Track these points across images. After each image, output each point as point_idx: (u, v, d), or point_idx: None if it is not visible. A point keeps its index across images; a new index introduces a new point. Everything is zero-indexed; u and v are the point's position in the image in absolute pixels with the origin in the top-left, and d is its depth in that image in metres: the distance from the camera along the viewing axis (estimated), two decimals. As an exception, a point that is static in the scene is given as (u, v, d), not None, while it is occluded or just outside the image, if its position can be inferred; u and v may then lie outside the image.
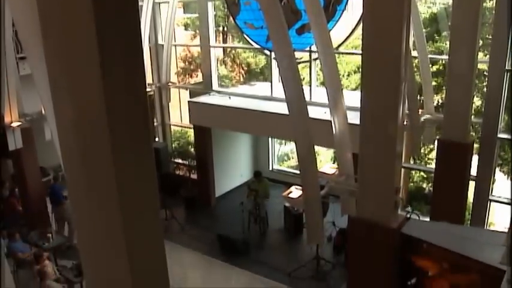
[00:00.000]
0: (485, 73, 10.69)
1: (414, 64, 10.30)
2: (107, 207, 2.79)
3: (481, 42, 9.47)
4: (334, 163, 13.35)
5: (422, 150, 12.97)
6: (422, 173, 13.53)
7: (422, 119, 9.95)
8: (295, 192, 9.47)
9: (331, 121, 7.86)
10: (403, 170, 10.57)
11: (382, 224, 6.28)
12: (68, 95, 2.61)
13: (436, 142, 9.78)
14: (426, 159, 13.64)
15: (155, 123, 14.78)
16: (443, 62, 12.29)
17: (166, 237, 10.60)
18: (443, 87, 11.55)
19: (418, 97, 10.24)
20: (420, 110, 9.98)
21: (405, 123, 6.79)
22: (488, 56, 9.65)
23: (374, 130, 6.06)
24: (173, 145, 15.31)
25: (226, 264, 10.68)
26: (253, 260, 10.77)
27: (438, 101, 12.63)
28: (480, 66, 10.25)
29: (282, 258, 10.85)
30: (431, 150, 13.29)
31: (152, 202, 2.99)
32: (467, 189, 9.09)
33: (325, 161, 15.08)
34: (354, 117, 7.79)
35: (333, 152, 13.54)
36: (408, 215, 7.37)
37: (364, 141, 6.21)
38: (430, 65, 10.36)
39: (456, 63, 8.27)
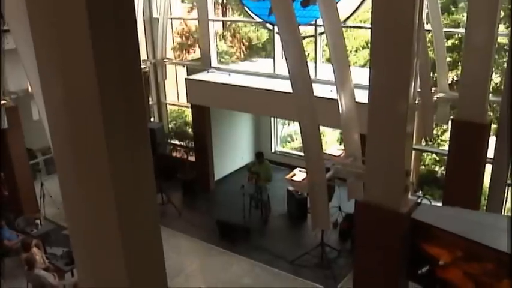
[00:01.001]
0: (505, 47, 10.58)
1: (428, 38, 10.21)
2: (100, 191, 2.79)
3: (502, 13, 9.34)
4: (340, 144, 13.36)
5: (435, 131, 12.91)
6: (434, 156, 13.52)
7: (435, 97, 9.90)
8: (299, 175, 9.46)
9: (337, 100, 7.82)
10: (414, 152, 10.54)
11: (391, 209, 6.29)
12: (57, 71, 2.59)
13: (450, 122, 9.75)
14: (439, 140, 13.62)
15: (150, 102, 14.75)
16: (460, 35, 12.17)
17: (163, 223, 10.65)
18: (459, 63, 11.46)
19: (431, 74, 10.16)
20: (433, 88, 9.92)
21: (417, 102, 6.75)
22: (509, 28, 9.55)
23: (383, 109, 6.03)
24: (170, 125, 15.30)
25: (225, 251, 10.76)
26: (254, 246, 10.84)
27: (453, 78, 12.53)
28: (500, 39, 10.11)
29: (285, 245, 10.92)
30: (445, 131, 13.26)
31: (148, 186, 2.99)
32: (483, 173, 9.07)
33: (331, 142, 15.08)
34: (362, 96, 7.75)
35: (339, 132, 13.53)
36: (419, 200, 7.37)
37: (373, 121, 6.18)
38: (445, 39, 10.25)
39: (474, 36, 8.16)
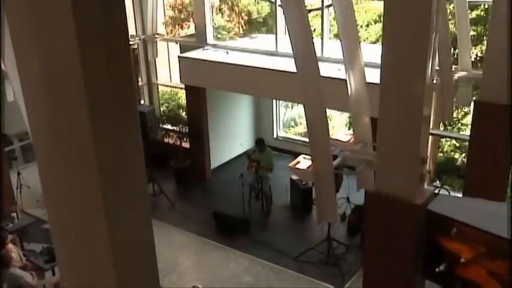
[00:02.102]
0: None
1: (448, 10, 10.10)
2: (84, 181, 2.77)
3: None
4: (349, 129, 13.34)
5: (455, 114, 12.86)
6: (454, 141, 13.50)
7: (456, 76, 9.83)
8: (304, 162, 9.43)
9: (346, 80, 7.80)
10: (431, 137, 10.56)
11: (405, 200, 6.28)
12: (35, 45, 2.55)
13: (472, 104, 9.69)
14: (459, 124, 13.57)
15: (140, 83, 14.71)
16: (486, 6, 12.06)
17: (154, 216, 10.67)
18: (484, 38, 11.38)
19: (452, 50, 10.09)
20: (454, 66, 9.85)
21: (435, 81, 6.73)
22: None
23: (397, 90, 6.00)
24: (161, 108, 15.27)
25: (223, 246, 10.80)
26: (255, 241, 10.88)
27: (477, 55, 12.41)
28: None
29: (288, 239, 10.95)
30: (466, 114, 13.21)
31: (137, 175, 2.98)
32: (510, 161, 9.04)
33: (339, 126, 15.06)
34: (373, 76, 7.72)
35: (348, 116, 13.51)
36: (436, 190, 7.38)
37: (385, 103, 6.15)
38: (469, 10, 10.14)
39: (502, 7, 8.06)
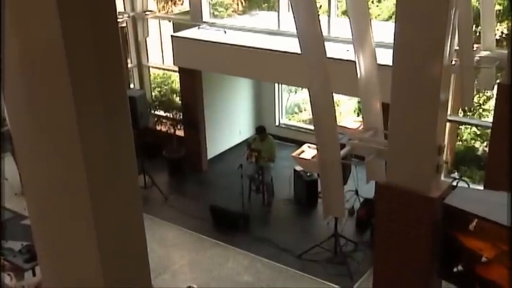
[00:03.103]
0: None
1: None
2: (69, 173, 2.76)
3: None
4: (358, 116, 13.32)
5: (475, 99, 12.80)
6: (474, 129, 13.45)
7: (477, 56, 9.76)
8: (308, 152, 9.41)
9: (355, 62, 7.77)
10: (448, 124, 10.53)
11: (419, 193, 6.29)
12: (13, 26, 2.53)
13: (495, 87, 9.66)
14: (481, 110, 13.51)
15: (129, 65, 14.66)
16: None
17: (146, 210, 10.68)
18: (510, 13, 11.29)
19: (474, 27, 10.00)
20: (475, 45, 9.78)
21: (453, 62, 6.70)
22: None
23: (411, 72, 5.98)
24: (153, 93, 15.24)
25: (221, 243, 10.81)
26: (255, 238, 10.89)
27: (502, 33, 12.30)
28: None
29: (291, 236, 10.97)
30: (489, 98, 13.16)
31: (127, 166, 2.97)
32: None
33: (347, 113, 15.04)
34: (385, 57, 7.68)
35: (357, 101, 13.48)
36: (454, 183, 7.36)
37: (398, 86, 6.14)
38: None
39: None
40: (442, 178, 6.60)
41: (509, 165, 6.33)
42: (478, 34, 10.23)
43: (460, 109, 12.11)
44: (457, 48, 8.59)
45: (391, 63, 6.15)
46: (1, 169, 10.94)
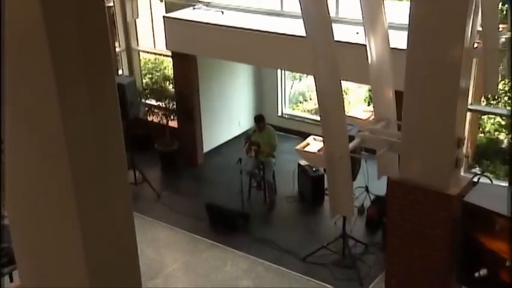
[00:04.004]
0: None
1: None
2: (52, 168, 2.76)
3: None
4: (368, 105, 13.29)
5: (500, 86, 12.74)
6: (499, 119, 13.41)
7: (503, 38, 9.71)
8: (314, 145, 9.40)
9: (365, 45, 7.75)
10: (469, 113, 10.50)
11: (436, 190, 6.29)
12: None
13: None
14: (506, 98, 13.46)
15: (117, 49, 14.63)
16: None
17: (136, 209, 10.66)
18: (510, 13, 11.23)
19: (500, 5, 9.93)
20: (501, 26, 9.72)
21: (476, 45, 6.67)
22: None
23: (428, 56, 5.97)
24: (144, 80, 15.22)
25: (218, 245, 10.81)
26: (256, 239, 10.89)
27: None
28: None
29: (295, 236, 10.97)
30: (515, 85, 13.10)
31: (116, 160, 2.97)
32: None
33: (356, 101, 15.03)
34: (399, 39, 7.66)
35: (368, 89, 13.45)
36: (475, 178, 7.35)
37: (413, 72, 6.13)
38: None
39: None
40: (462, 173, 6.59)
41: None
42: (504, 13, 10.17)
43: (483, 97, 12.07)
44: (480, 28, 8.54)
45: (405, 47, 6.13)
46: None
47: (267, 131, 11.98)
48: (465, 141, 6.53)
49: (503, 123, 13.30)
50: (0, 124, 2.63)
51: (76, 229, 2.82)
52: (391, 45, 7.73)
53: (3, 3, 2.43)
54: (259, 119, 12.00)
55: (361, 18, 7.72)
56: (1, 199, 2.77)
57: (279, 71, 14.40)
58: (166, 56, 14.19)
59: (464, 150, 6.49)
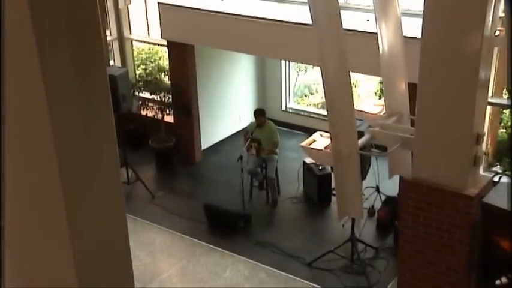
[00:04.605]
0: None
1: None
2: (39, 165, 2.75)
3: None
4: (379, 98, 13.28)
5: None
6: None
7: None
8: (320, 141, 9.41)
9: (376, 34, 7.74)
10: (489, 107, 10.48)
11: (453, 190, 6.28)
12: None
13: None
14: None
15: (108, 38, 14.62)
16: None
17: (129, 210, 10.66)
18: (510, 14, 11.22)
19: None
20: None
21: (497, 33, 6.64)
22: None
23: (444, 45, 5.95)
24: (137, 71, 15.21)
25: (217, 249, 10.81)
26: (258, 242, 10.89)
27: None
28: None
29: (300, 240, 10.97)
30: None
31: (107, 158, 2.97)
32: None
33: (367, 95, 15.01)
34: (413, 27, 7.64)
35: (379, 81, 13.44)
36: (496, 177, 7.33)
37: (428, 63, 6.12)
38: None
39: None
40: (481, 172, 6.57)
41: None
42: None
43: (505, 89, 12.05)
44: (502, 15, 8.52)
45: (419, 35, 6.11)
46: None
47: (268, 126, 11.92)
48: (485, 137, 6.51)
49: (526, 117, 13.29)
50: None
51: (64, 232, 2.81)
52: (404, 34, 7.73)
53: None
54: (259, 113, 11.96)
55: (372, 4, 7.72)
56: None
57: (283, 62, 14.40)
58: (162, 45, 14.17)
59: (483, 147, 6.46)
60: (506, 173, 9.46)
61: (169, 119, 13.80)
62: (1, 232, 2.75)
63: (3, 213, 2.74)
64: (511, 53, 5.68)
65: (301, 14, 9.90)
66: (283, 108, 14.87)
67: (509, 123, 13.52)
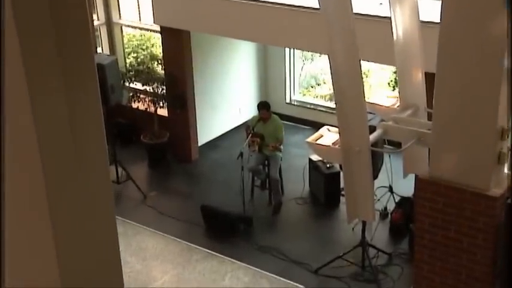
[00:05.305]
0: None
1: None
2: (20, 162, 2.74)
3: None
4: (393, 89, 13.28)
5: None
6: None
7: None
8: (328, 137, 9.41)
9: (390, 18, 7.72)
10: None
11: (475, 190, 6.26)
12: None
13: None
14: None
15: (96, 23, 14.63)
16: None
17: (119, 212, 10.68)
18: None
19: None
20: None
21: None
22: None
23: (465, 30, 5.94)
24: (127, 60, 15.22)
25: (215, 254, 10.82)
26: (259, 247, 10.90)
27: None
28: None
29: (306, 244, 10.98)
30: None
31: (95, 155, 2.97)
32: None
33: (379, 86, 15.01)
34: (431, 11, 7.63)
35: (393, 70, 13.43)
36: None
37: (447, 50, 6.10)
38: None
39: None
40: (506, 171, 6.55)
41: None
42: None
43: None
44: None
45: (438, 20, 6.09)
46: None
47: (272, 121, 11.92)
48: (510, 132, 6.49)
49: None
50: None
51: (48, 236, 2.81)
52: (421, 18, 7.71)
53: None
54: (262, 106, 11.95)
55: (385, -14, 7.71)
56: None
57: (287, 50, 14.42)
58: (154, 31, 14.19)
59: (508, 143, 6.43)
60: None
61: (163, 112, 13.81)
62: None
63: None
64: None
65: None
66: (288, 100, 14.89)
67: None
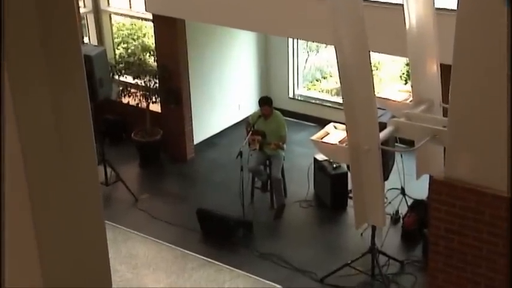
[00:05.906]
0: None
1: None
2: (5, 165, 2.74)
3: None
4: (406, 83, 13.29)
5: None
6: None
7: None
8: (335, 134, 9.41)
9: (402, 5, 7.73)
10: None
11: (493, 193, 6.26)
12: None
13: None
14: None
15: (82, 10, 14.64)
16: None
17: (109, 216, 10.69)
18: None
19: None
20: None
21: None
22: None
23: (484, 18, 5.93)
24: (117, 51, 15.24)
25: (212, 261, 10.84)
26: (260, 254, 10.92)
27: None
28: None
29: (310, 251, 11.00)
30: None
31: (82, 154, 2.97)
32: None
33: (390, 79, 15.03)
34: None
35: (406, 62, 13.44)
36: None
37: (464, 40, 6.09)
38: None
39: None
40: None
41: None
42: None
43: None
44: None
45: (454, 6, 6.09)
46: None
47: (275, 117, 11.93)
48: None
49: None
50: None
51: (30, 241, 2.81)
52: (436, 5, 7.71)
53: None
54: (264, 101, 11.96)
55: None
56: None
57: (290, 40, 14.43)
58: (146, 20, 14.21)
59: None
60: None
61: (156, 107, 13.82)
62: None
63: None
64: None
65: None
66: (291, 95, 14.92)
67: None
